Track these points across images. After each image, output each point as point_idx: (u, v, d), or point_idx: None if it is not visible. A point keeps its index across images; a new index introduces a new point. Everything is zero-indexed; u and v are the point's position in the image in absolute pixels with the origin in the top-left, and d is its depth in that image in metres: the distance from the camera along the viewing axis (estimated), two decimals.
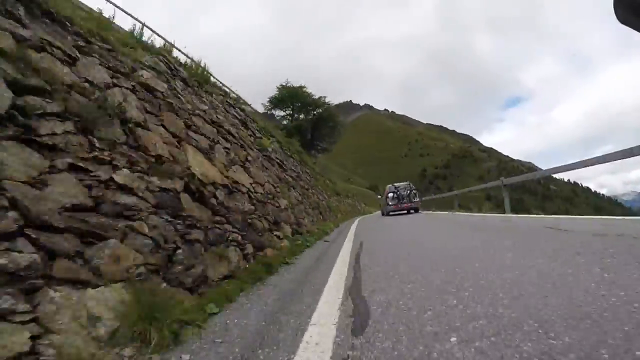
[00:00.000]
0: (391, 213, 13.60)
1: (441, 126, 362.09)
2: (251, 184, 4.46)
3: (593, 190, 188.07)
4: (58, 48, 2.11)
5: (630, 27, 0.69)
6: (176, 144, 2.98)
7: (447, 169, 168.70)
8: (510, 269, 2.13)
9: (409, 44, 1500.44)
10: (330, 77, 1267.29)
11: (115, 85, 2.54)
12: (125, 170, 2.12)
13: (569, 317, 1.31)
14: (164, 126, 2.93)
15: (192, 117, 3.59)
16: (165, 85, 3.38)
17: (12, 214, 1.40)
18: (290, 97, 25.38)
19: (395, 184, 14.53)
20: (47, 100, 1.81)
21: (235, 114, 5.72)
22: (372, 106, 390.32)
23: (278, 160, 7.17)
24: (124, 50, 3.07)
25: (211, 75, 5.58)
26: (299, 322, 1.79)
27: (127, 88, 2.65)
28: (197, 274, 2.32)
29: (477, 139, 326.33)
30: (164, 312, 1.70)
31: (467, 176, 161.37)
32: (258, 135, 6.62)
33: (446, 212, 12.42)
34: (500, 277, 1.98)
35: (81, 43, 2.46)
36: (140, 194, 2.17)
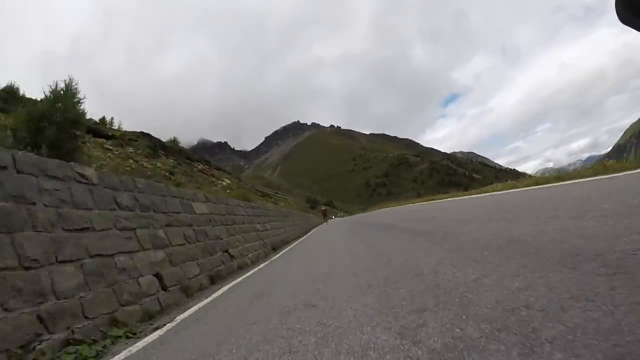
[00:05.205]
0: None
1: (384, 134, 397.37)
2: None
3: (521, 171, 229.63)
4: None
5: (630, 26, 0.70)
6: None
7: (387, 177, 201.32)
8: None
9: (348, 61, 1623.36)
10: (278, 102, 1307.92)
11: None
12: None
13: None
14: None
15: None
16: None
17: None
18: None
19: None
20: None
21: None
22: (319, 124, 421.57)
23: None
24: None
25: None
26: None
27: None
28: None
29: (419, 139, 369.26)
30: None
31: (403, 180, 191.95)
32: None
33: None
34: None
35: None
36: None
